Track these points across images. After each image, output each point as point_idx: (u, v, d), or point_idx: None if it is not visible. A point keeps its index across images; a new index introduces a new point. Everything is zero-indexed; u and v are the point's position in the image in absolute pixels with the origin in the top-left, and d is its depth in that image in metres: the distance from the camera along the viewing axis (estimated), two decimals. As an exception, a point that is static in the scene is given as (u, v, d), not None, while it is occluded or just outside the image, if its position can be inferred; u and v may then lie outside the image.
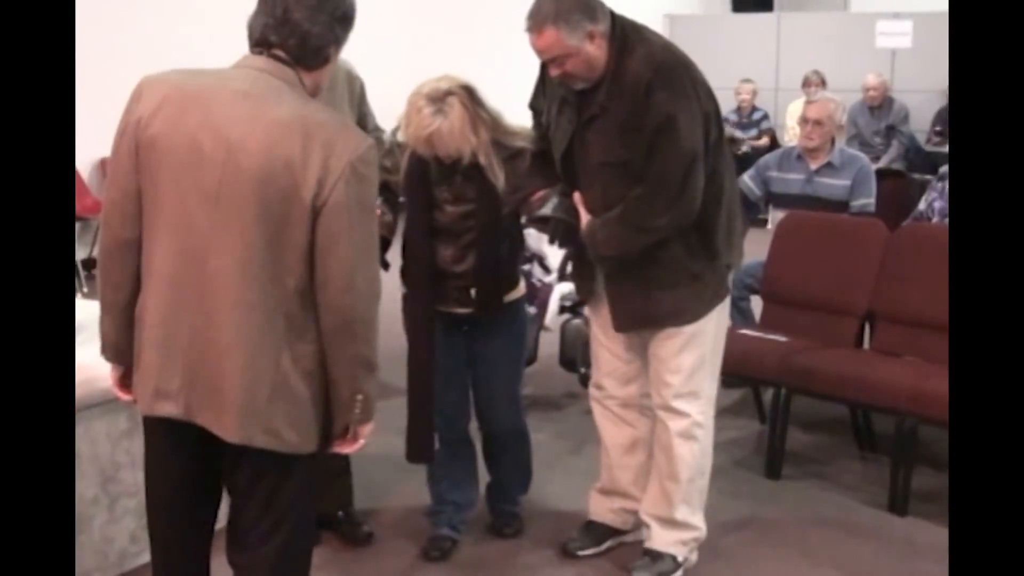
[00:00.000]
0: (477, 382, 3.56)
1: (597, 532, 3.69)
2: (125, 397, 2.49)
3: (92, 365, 2.75)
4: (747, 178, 5.40)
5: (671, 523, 3.49)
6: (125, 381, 2.46)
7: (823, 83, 9.96)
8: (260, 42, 2.31)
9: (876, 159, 8.75)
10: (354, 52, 2.91)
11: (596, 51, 3.12)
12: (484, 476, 3.81)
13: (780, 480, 4.32)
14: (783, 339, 4.50)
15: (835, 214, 5.07)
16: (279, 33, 2.28)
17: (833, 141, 5.42)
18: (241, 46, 2.36)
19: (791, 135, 9.25)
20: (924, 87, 10.44)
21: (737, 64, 10.68)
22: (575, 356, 4.98)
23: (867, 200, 5.17)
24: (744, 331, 4.61)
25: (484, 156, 3.27)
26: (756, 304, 5.08)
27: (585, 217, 3.31)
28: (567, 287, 4.93)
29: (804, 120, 5.40)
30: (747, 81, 10.61)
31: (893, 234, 4.57)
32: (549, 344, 5.12)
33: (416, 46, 9.09)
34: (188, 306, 2.25)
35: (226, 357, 2.23)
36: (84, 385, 3.13)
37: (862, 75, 9.92)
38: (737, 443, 4.66)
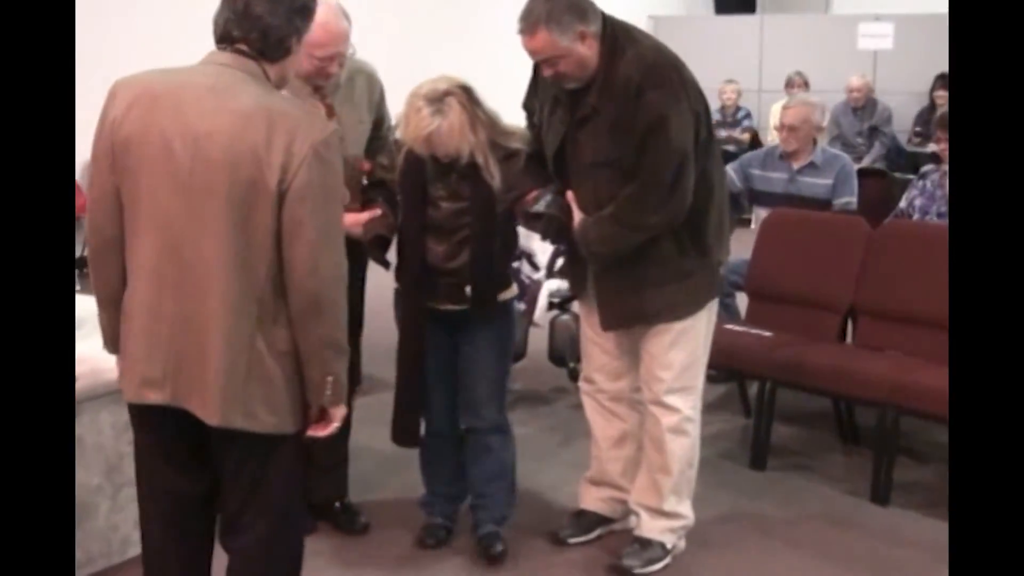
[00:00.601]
0: (463, 379, 3.56)
1: (587, 520, 3.76)
2: None
3: (96, 357, 2.81)
4: (729, 169, 5.48)
5: (660, 513, 3.56)
6: None
7: (806, 84, 10.02)
8: (224, 37, 2.40)
9: (858, 159, 8.82)
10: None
11: (588, 52, 3.18)
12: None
13: (765, 472, 4.40)
14: (768, 334, 4.58)
15: (818, 212, 5.15)
16: (241, 27, 2.37)
17: (815, 141, 5.52)
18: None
19: (774, 135, 9.32)
20: (905, 88, 10.54)
21: (721, 65, 10.73)
22: (564, 351, 5.05)
23: (849, 199, 5.26)
24: (730, 326, 4.68)
25: (481, 156, 3.29)
26: (741, 301, 5.17)
27: (578, 215, 3.35)
28: (555, 284, 5.02)
29: (781, 126, 5.51)
30: (731, 81, 10.67)
31: (875, 231, 4.65)
32: (538, 340, 5.20)
33: (412, 47, 9.12)
34: (169, 296, 2.34)
35: (206, 343, 2.32)
36: (89, 376, 3.20)
37: (844, 76, 10.01)
38: (723, 436, 4.73)
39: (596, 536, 3.75)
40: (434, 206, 3.41)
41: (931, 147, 8.01)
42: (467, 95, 3.26)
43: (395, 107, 3.45)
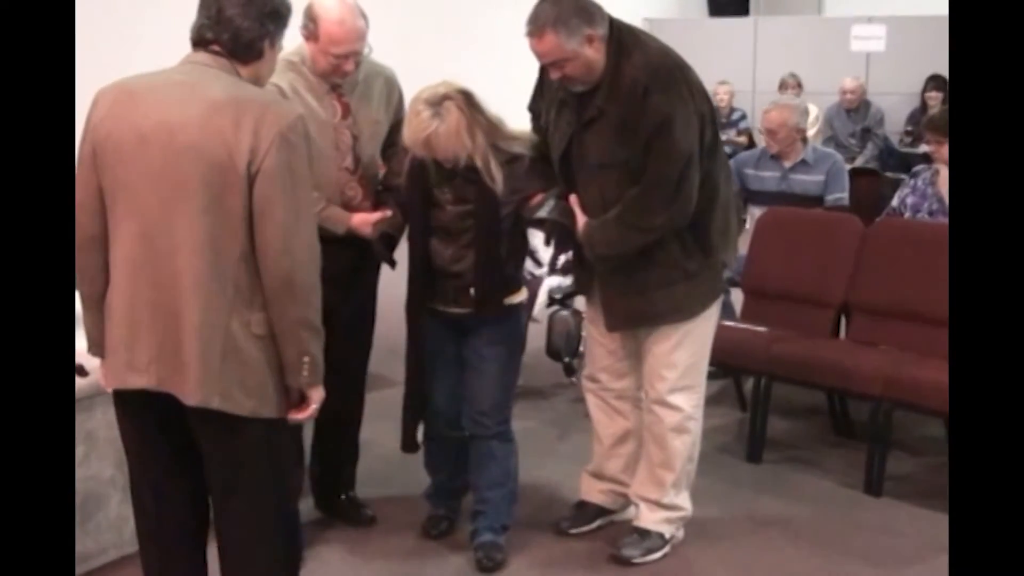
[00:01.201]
0: (468, 386, 3.54)
1: (588, 512, 3.82)
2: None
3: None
4: None
5: (660, 505, 3.62)
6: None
7: (799, 86, 10.07)
8: (199, 41, 2.51)
9: (851, 160, 8.87)
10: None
11: (594, 55, 3.21)
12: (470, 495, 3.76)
13: (761, 464, 4.47)
14: (763, 330, 4.65)
15: (811, 209, 5.23)
16: (214, 30, 2.47)
17: (806, 141, 5.61)
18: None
19: (765, 137, 9.37)
20: (897, 89, 10.61)
21: (715, 67, 10.74)
22: (560, 347, 5.10)
23: (840, 194, 5.36)
24: (726, 323, 4.73)
25: (481, 159, 3.28)
26: (737, 297, 5.24)
27: (581, 219, 3.39)
28: (556, 280, 5.07)
29: (763, 129, 5.62)
30: (724, 83, 10.71)
31: (868, 229, 4.71)
32: (537, 336, 5.25)
33: (418, 52, 9.16)
34: (149, 283, 2.41)
35: (182, 326, 2.39)
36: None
37: (837, 78, 10.07)
38: (719, 430, 4.79)
39: (597, 526, 3.81)
40: (440, 209, 3.42)
41: (922, 147, 8.09)
42: (466, 100, 3.27)
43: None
